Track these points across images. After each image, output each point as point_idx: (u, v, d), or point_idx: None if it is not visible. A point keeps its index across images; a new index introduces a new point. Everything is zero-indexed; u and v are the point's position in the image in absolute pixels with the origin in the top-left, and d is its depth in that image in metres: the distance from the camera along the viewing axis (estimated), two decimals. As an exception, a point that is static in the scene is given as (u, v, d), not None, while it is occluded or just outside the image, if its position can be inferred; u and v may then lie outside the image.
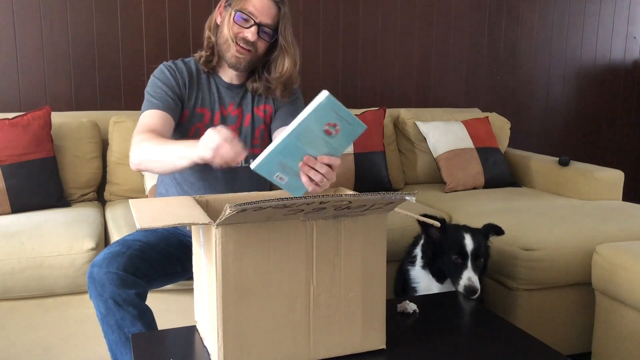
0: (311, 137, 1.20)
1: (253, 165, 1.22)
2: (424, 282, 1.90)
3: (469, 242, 1.78)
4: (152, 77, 1.77)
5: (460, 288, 1.72)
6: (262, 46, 1.74)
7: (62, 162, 2.45)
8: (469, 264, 1.76)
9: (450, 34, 3.49)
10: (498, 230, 1.89)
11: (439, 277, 1.85)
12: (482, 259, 1.80)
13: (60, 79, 2.76)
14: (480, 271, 1.80)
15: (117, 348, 1.52)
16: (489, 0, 3.55)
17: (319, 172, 1.24)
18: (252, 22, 1.69)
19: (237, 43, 1.70)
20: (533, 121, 3.81)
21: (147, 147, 1.53)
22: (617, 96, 4.01)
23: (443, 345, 1.31)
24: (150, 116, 1.67)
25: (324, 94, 1.14)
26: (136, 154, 1.55)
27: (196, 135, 1.73)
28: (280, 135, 1.21)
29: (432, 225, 1.80)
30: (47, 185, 2.33)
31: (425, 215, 1.77)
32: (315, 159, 1.24)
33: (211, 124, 1.77)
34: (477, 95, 3.62)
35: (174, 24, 2.90)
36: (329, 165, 1.26)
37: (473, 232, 1.83)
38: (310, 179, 1.26)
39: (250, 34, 1.69)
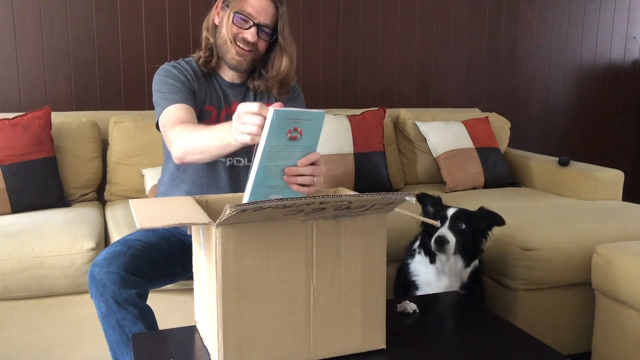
0: (280, 151, 1.20)
1: (245, 201, 1.22)
2: (422, 273, 1.95)
3: (451, 210, 1.90)
4: (158, 77, 1.75)
5: (432, 241, 1.84)
6: (262, 46, 1.74)
7: (62, 162, 2.45)
8: (447, 223, 1.87)
9: (450, 34, 3.49)
10: (496, 220, 1.91)
11: (431, 256, 1.92)
12: (463, 225, 1.87)
13: (60, 79, 2.76)
14: (468, 244, 1.87)
15: (118, 348, 1.53)
16: (489, 0, 3.55)
17: (304, 174, 1.24)
18: (252, 23, 1.69)
19: (236, 44, 1.70)
20: (533, 121, 3.81)
21: (187, 139, 1.50)
22: (617, 96, 4.01)
23: (443, 345, 1.31)
24: (175, 110, 1.64)
25: (270, 111, 1.15)
26: (178, 148, 1.53)
27: None
28: (252, 168, 1.22)
29: (429, 204, 1.98)
30: (47, 185, 2.33)
31: (422, 194, 1.97)
32: (296, 165, 1.24)
33: (217, 122, 1.76)
34: (477, 95, 3.63)
35: (174, 24, 2.90)
36: (312, 164, 1.25)
37: (462, 209, 1.93)
38: (301, 185, 1.25)
39: (250, 35, 1.69)
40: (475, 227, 1.90)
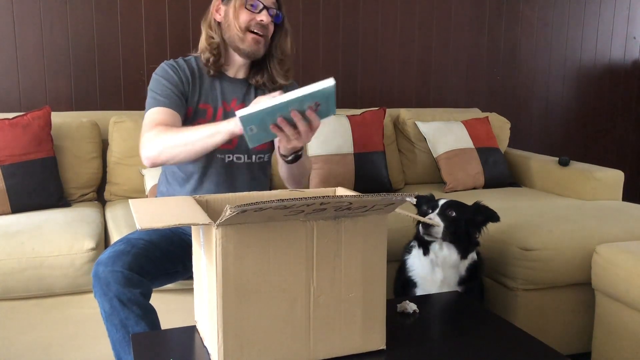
0: (297, 107, 1.33)
1: (239, 113, 1.31)
2: (417, 267, 1.96)
3: (443, 200, 1.92)
4: (154, 75, 1.76)
5: (420, 227, 1.87)
6: (271, 29, 1.77)
7: (62, 162, 2.45)
8: (437, 210, 1.89)
9: (450, 34, 3.49)
10: (490, 216, 1.93)
11: (425, 248, 1.93)
12: (453, 213, 1.88)
13: (60, 79, 2.76)
14: (460, 234, 1.88)
15: (121, 347, 1.53)
16: (489, 0, 3.55)
17: (297, 127, 1.37)
18: (261, 6, 1.72)
19: (252, 31, 1.72)
20: (533, 121, 3.81)
21: (167, 136, 1.55)
22: (617, 96, 4.01)
23: (443, 345, 1.32)
24: (158, 113, 1.67)
25: (331, 82, 1.27)
26: (153, 147, 1.57)
27: None
28: (273, 99, 1.32)
29: (423, 203, 1.99)
30: (47, 185, 2.33)
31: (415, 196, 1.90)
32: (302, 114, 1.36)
33: (213, 119, 1.77)
34: (477, 95, 3.63)
35: (174, 24, 2.90)
36: (310, 125, 1.39)
37: (455, 200, 1.95)
38: (284, 134, 1.38)
39: (264, 17, 1.71)
40: (469, 218, 1.90)
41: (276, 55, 1.80)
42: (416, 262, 1.97)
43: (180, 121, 1.69)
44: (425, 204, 1.99)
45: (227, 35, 1.75)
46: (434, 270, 1.92)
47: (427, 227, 1.84)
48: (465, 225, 1.90)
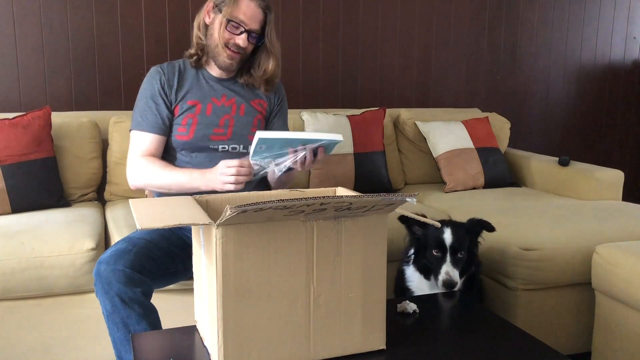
0: (306, 144, 1.61)
1: (260, 133, 1.53)
2: (416, 280, 1.93)
3: (447, 237, 1.83)
4: (143, 83, 1.88)
5: (439, 283, 1.78)
6: (250, 48, 1.85)
7: (62, 162, 2.45)
8: (448, 258, 1.81)
9: (450, 34, 3.49)
10: (485, 225, 1.90)
11: (425, 273, 1.89)
12: (462, 252, 1.83)
13: (60, 79, 2.76)
14: (463, 265, 1.84)
15: (122, 346, 1.53)
16: (489, 1, 3.55)
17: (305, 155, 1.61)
18: (242, 29, 1.79)
19: (228, 48, 1.80)
20: (533, 121, 3.81)
21: (154, 172, 1.75)
22: (617, 96, 4.01)
23: (443, 345, 1.32)
24: (143, 139, 1.82)
25: (340, 137, 1.59)
26: (140, 178, 1.78)
27: (188, 125, 1.83)
28: (291, 132, 1.65)
29: (414, 222, 1.90)
30: (47, 185, 2.33)
31: (404, 217, 1.87)
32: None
33: (203, 114, 1.85)
34: (477, 95, 3.62)
35: (174, 24, 2.90)
36: (315, 155, 1.63)
37: (455, 226, 1.86)
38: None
39: (241, 40, 1.80)
40: (469, 241, 1.86)
41: (257, 71, 1.89)
42: (415, 276, 1.93)
43: (163, 142, 1.84)
44: (419, 226, 1.89)
45: (209, 42, 1.84)
46: (433, 288, 1.87)
47: (449, 286, 1.75)
48: (468, 251, 1.86)
